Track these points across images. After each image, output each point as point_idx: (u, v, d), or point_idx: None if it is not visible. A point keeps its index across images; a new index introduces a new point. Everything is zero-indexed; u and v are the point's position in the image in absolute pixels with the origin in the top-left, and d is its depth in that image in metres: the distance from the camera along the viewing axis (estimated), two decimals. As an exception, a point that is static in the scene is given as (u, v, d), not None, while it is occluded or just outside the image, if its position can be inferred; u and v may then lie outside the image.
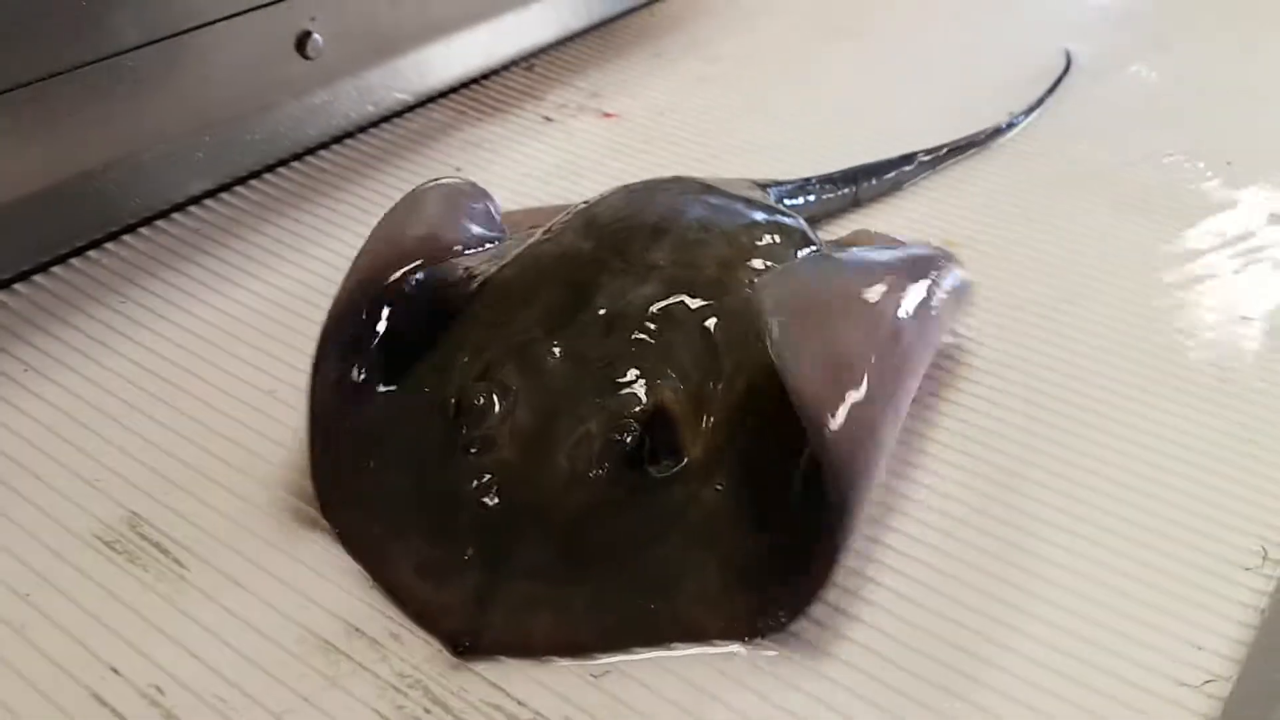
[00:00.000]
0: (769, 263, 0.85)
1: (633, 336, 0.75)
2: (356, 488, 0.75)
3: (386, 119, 1.26)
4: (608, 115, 1.32)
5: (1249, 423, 0.87)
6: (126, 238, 1.04)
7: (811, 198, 1.11)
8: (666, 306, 0.78)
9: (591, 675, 0.67)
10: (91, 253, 1.01)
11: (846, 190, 1.14)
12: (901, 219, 1.13)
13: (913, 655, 0.69)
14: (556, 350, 0.74)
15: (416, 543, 0.71)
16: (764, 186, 1.06)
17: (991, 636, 0.70)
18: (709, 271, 0.81)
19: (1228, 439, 0.86)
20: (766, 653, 0.68)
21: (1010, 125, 1.30)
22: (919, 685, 0.67)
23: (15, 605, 0.70)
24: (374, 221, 1.07)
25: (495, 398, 0.72)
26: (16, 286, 0.97)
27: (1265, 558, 0.76)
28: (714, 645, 0.68)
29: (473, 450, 0.72)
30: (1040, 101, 1.34)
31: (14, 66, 0.89)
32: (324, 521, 0.75)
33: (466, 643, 0.66)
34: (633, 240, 0.83)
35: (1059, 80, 1.39)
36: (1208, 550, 0.76)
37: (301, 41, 1.10)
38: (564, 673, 0.67)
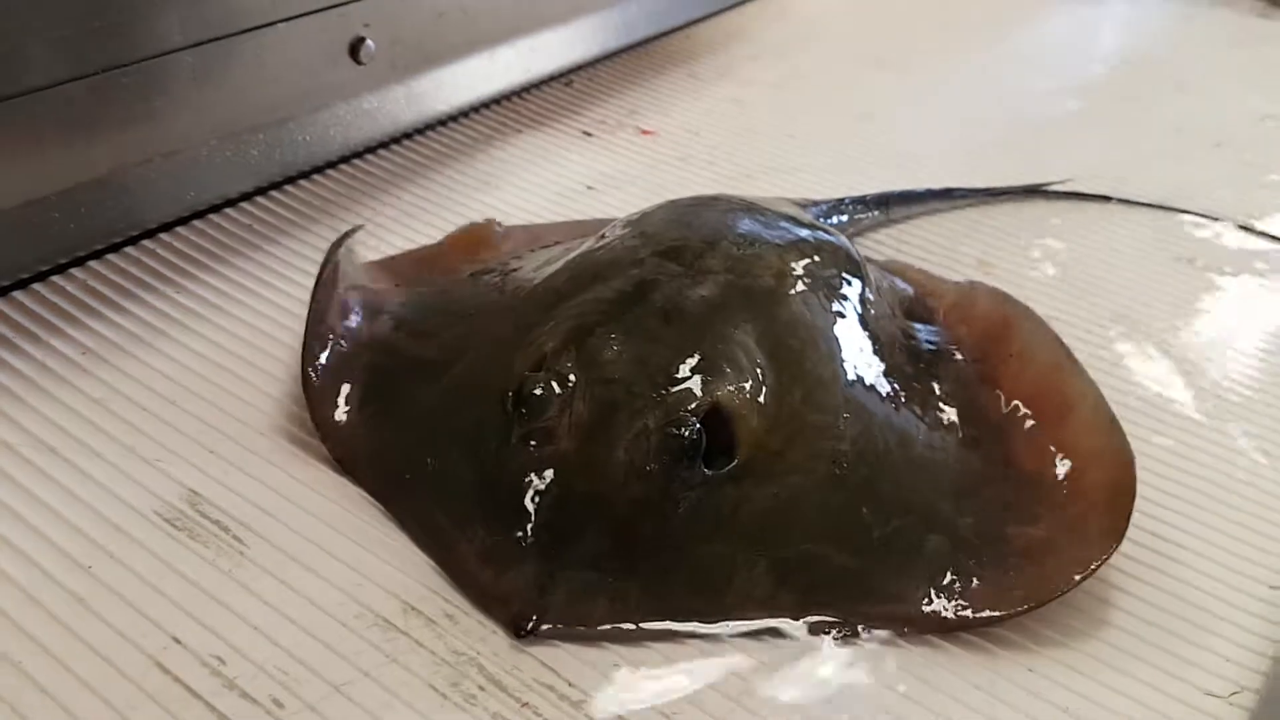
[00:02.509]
0: (817, 276, 0.87)
1: (689, 333, 0.77)
2: (411, 474, 0.78)
3: (431, 126, 1.29)
4: (645, 132, 1.35)
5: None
6: (180, 229, 1.06)
7: (844, 218, 1.15)
8: (722, 308, 0.79)
9: (642, 660, 0.69)
10: (147, 242, 1.04)
11: (877, 213, 1.18)
12: (939, 236, 1.17)
13: (946, 653, 0.71)
14: (614, 342, 0.76)
15: (477, 531, 0.73)
16: (803, 206, 1.09)
17: (1018, 643, 0.72)
18: (763, 281, 0.84)
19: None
20: (817, 639, 0.71)
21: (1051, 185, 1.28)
22: (956, 682, 0.69)
23: (79, 577, 0.72)
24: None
25: (554, 387, 0.74)
26: (74, 272, 0.99)
27: (1292, 575, 0.79)
28: (762, 637, 0.71)
29: (532, 442, 0.74)
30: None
31: (76, 59, 0.91)
32: (380, 505, 0.78)
33: (528, 626, 0.69)
34: (686, 248, 0.85)
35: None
36: (1236, 568, 0.79)
37: (355, 47, 1.13)
38: (614, 657, 0.69)
